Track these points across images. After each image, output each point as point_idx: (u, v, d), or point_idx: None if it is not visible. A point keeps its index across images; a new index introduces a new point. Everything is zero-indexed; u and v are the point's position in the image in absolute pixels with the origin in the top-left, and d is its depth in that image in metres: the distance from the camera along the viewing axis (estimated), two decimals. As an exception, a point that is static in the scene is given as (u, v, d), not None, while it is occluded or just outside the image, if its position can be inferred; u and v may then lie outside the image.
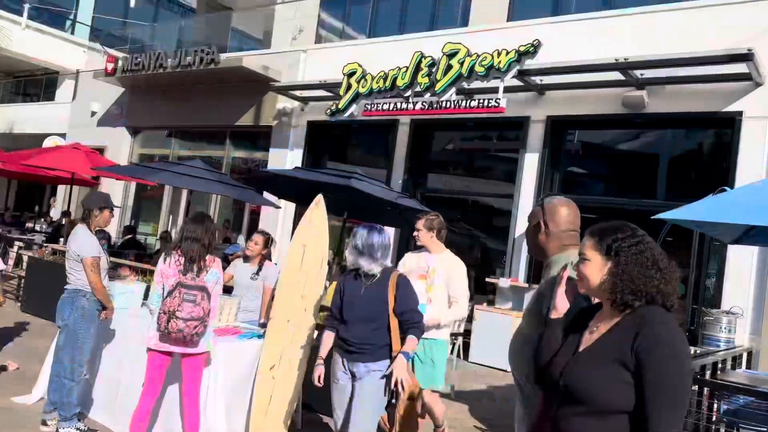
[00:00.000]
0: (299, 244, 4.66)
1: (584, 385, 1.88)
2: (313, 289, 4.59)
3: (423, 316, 3.76)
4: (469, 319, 8.97)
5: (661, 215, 4.57)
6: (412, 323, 3.70)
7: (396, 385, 3.52)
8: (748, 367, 7.37)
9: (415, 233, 4.81)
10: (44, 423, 4.69)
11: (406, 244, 10.75)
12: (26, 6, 20.09)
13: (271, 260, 5.82)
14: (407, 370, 3.61)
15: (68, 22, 23.24)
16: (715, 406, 4.87)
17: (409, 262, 4.83)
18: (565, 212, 2.58)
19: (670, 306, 1.89)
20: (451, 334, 7.51)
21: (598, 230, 2.00)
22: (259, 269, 5.59)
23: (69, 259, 4.70)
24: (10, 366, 6.10)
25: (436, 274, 4.66)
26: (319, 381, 3.75)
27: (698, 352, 6.24)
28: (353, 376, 3.70)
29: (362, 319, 3.69)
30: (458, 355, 7.79)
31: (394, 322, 3.68)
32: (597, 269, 1.96)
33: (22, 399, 5.19)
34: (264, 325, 5.19)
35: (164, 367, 4.13)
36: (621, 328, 1.90)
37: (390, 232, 3.81)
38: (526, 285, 9.50)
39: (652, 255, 1.91)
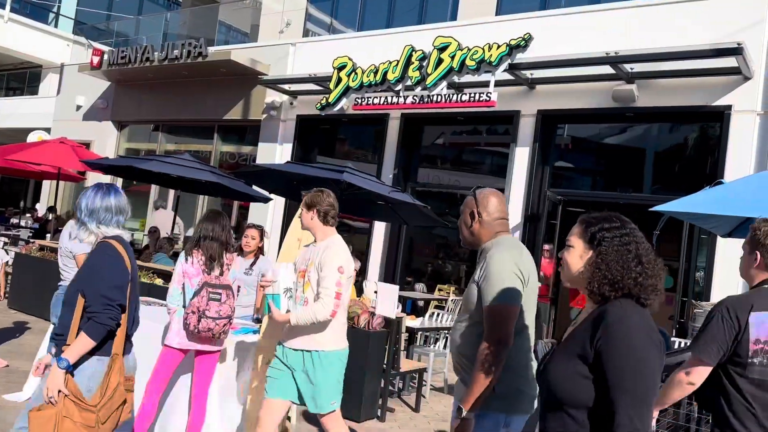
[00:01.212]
0: (294, 238, 4.62)
1: (549, 378, 1.88)
2: (309, 284, 4.54)
3: (110, 307, 2.79)
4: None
5: (659, 207, 4.57)
6: (90, 312, 2.77)
7: (49, 399, 2.70)
8: (738, 358, 7.42)
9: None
10: (36, 421, 4.62)
11: (397, 239, 10.85)
12: (8, -2, 19.82)
13: (264, 254, 5.79)
14: (62, 380, 2.70)
15: (51, 15, 22.94)
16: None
17: (300, 256, 3.87)
18: (495, 201, 2.82)
19: (647, 302, 1.85)
20: (445, 328, 7.50)
21: (587, 219, 1.98)
22: (254, 263, 5.55)
23: (62, 256, 4.63)
24: (-1, 363, 6.03)
25: (313, 267, 3.62)
26: None
27: (687, 344, 6.27)
28: None
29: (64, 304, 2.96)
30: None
31: (81, 305, 2.81)
32: (577, 257, 1.94)
33: (12, 396, 5.13)
34: (258, 320, 5.15)
35: (177, 364, 4.12)
36: (587, 321, 1.87)
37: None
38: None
39: (636, 249, 1.86)
